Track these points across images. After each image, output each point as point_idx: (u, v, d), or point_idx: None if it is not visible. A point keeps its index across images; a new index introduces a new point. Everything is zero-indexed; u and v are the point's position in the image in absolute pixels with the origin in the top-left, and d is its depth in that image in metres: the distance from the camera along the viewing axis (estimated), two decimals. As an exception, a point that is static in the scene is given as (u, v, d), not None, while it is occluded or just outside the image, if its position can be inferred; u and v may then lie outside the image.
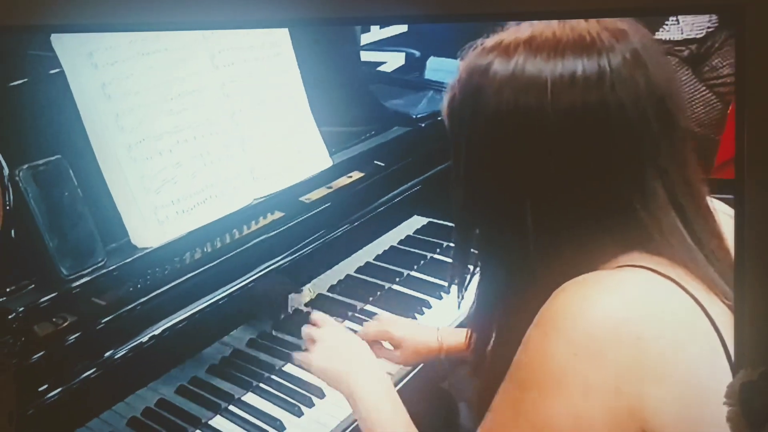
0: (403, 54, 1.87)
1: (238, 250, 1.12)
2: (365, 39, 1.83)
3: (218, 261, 1.09)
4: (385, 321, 1.26)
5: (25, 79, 0.92)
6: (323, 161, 1.32)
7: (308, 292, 1.31)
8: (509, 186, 0.80)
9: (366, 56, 1.84)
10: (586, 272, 0.77)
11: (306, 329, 1.11)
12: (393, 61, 1.86)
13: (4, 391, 0.77)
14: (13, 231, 0.91)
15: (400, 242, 1.55)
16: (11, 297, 0.92)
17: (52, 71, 0.96)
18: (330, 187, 1.34)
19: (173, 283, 1.04)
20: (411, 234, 1.58)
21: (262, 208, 1.20)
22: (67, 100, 0.97)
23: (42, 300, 0.93)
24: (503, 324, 0.87)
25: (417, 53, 1.85)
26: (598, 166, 0.77)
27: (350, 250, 1.43)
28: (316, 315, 1.14)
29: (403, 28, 1.80)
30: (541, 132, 0.76)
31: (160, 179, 1.05)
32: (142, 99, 1.03)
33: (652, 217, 0.78)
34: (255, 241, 1.15)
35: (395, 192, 1.43)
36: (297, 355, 1.10)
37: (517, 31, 0.79)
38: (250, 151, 1.18)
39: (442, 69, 1.78)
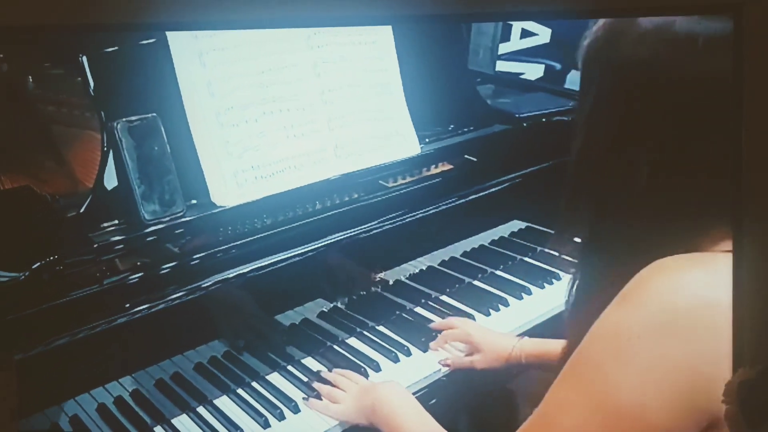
0: (543, 66, 1.85)
1: (309, 221, 1.18)
2: (503, 48, 1.84)
3: (288, 227, 1.16)
4: (467, 324, 1.29)
5: (127, 45, 1.04)
6: (411, 148, 1.35)
7: (380, 273, 1.35)
8: (631, 140, 0.78)
9: (503, 66, 1.84)
10: (685, 251, 0.75)
11: (329, 389, 1.14)
12: (531, 72, 1.85)
13: (7, 388, 0.83)
14: (106, 175, 1.02)
15: (492, 242, 1.55)
16: (103, 232, 1.04)
17: (158, 39, 1.07)
18: (414, 175, 1.37)
19: (243, 241, 1.11)
20: (505, 236, 1.57)
21: (341, 184, 1.25)
22: (167, 65, 1.08)
23: (125, 238, 1.04)
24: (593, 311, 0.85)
25: (558, 66, 1.83)
26: (726, 137, 0.75)
27: (440, 244, 1.46)
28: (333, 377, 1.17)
29: (545, 39, 1.79)
30: (678, 88, 0.74)
31: (243, 145, 1.13)
32: (234, 70, 1.12)
33: None
34: (327, 214, 1.21)
35: (482, 186, 1.43)
36: (332, 408, 1.11)
37: None
38: (336, 129, 1.24)
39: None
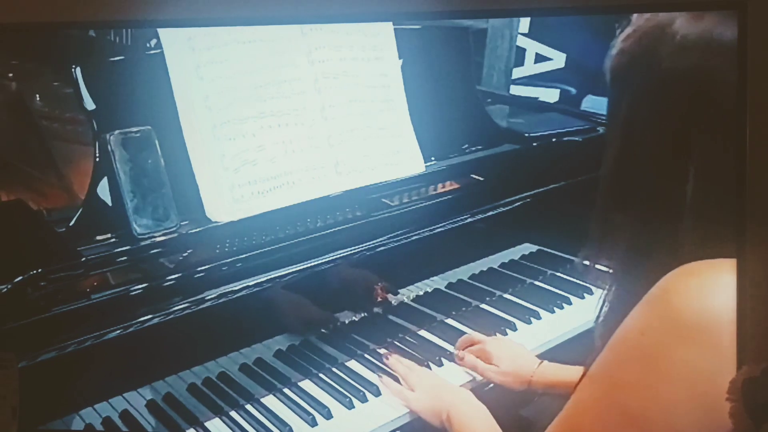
0: (558, 90, 1.82)
1: (308, 238, 1.15)
2: (517, 73, 1.82)
3: (285, 244, 1.13)
4: (491, 341, 1.25)
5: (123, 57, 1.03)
6: (416, 166, 1.32)
7: (384, 294, 1.31)
8: (677, 150, 0.76)
9: (517, 91, 1.82)
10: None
11: (404, 373, 1.17)
12: (546, 96, 1.82)
13: (8, 386, 0.83)
14: (98, 187, 1.00)
15: (502, 265, 1.51)
16: (93, 246, 1.02)
17: (154, 51, 1.06)
18: (418, 194, 1.34)
19: (237, 258, 1.09)
20: (516, 259, 1.53)
21: (342, 202, 1.22)
22: (164, 78, 1.06)
23: (115, 252, 1.01)
24: None
25: (573, 90, 1.80)
26: None
27: (448, 266, 1.42)
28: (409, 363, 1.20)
29: (560, 63, 1.77)
30: (725, 97, 0.73)
31: (240, 159, 1.11)
32: (232, 83, 1.10)
33: None
34: (326, 232, 1.18)
35: (489, 206, 1.40)
36: (399, 392, 1.14)
37: None
38: (337, 145, 1.21)
39: (599, 109, 1.71)
